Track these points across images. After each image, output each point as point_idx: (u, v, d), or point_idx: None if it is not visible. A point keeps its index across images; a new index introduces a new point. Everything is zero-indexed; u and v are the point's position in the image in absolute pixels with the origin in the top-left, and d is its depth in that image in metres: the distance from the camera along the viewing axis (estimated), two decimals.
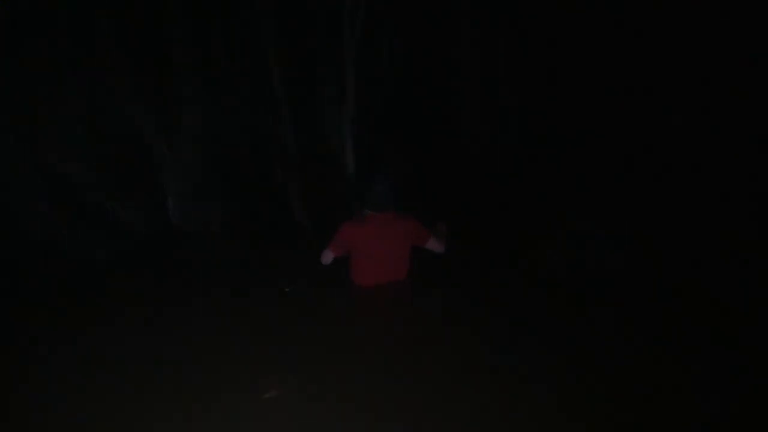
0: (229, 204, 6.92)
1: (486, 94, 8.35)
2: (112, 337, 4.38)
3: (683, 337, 4.04)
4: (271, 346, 4.02)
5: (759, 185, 5.87)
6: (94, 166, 6.41)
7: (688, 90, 6.44)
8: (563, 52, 7.33)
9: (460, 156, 8.37)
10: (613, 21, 6.95)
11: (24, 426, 3.39)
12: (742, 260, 5.04)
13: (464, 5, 7.96)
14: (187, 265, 5.92)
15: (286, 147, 9.58)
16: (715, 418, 3.24)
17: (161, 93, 6.66)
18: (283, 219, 7.07)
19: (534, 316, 4.41)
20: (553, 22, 7.46)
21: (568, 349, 3.94)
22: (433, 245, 4.53)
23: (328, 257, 4.45)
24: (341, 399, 3.41)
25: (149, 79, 6.52)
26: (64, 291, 5.25)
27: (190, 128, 6.96)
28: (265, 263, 5.70)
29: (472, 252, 5.62)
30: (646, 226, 5.58)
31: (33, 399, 3.62)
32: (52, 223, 6.01)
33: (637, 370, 3.69)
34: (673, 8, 6.51)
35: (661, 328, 4.19)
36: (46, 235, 5.94)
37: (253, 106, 7.00)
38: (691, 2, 6.34)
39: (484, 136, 8.49)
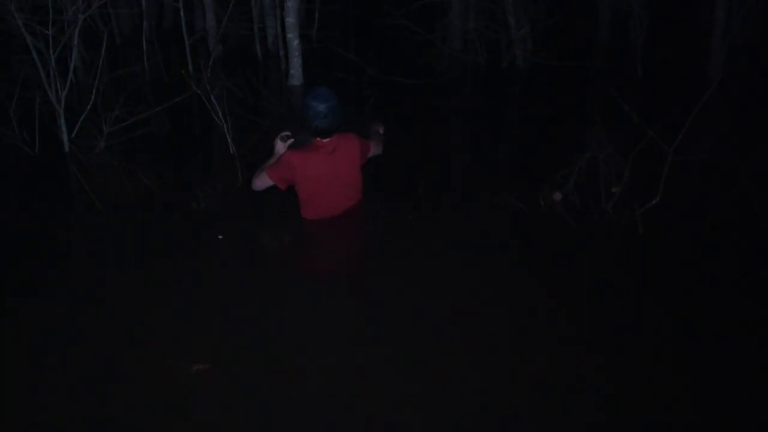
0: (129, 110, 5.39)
1: None
2: None
3: None
4: (197, 309, 3.13)
5: None
6: None
7: None
8: None
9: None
10: None
11: None
12: None
13: None
14: (80, 196, 4.47)
15: (206, 39, 8.12)
16: None
17: None
18: (200, 136, 5.68)
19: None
20: None
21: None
22: (374, 150, 4.18)
23: (263, 182, 3.90)
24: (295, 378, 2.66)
25: None
26: None
27: None
28: (180, 192, 4.34)
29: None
30: None
31: None
32: None
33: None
34: None
35: None
36: None
37: None
38: None
39: None
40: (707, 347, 2.72)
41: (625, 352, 2.71)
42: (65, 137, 5.03)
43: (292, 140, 3.96)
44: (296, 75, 6.82)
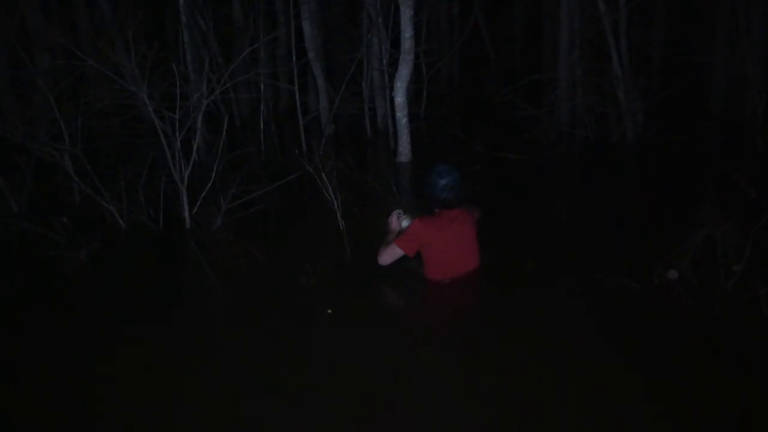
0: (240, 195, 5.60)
1: None
2: None
3: None
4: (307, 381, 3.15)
5: None
6: None
7: None
8: None
9: None
10: None
11: None
12: None
13: None
14: (197, 270, 4.71)
15: (319, 119, 8.45)
16: None
17: None
18: (311, 212, 5.75)
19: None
20: None
21: None
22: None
23: (392, 254, 4.12)
24: None
25: None
26: None
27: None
28: (290, 267, 4.40)
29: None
30: None
31: None
32: None
33: None
34: None
35: None
36: None
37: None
38: None
39: None
40: None
41: None
42: (186, 214, 5.30)
43: (405, 217, 4.24)
44: (405, 152, 6.96)
